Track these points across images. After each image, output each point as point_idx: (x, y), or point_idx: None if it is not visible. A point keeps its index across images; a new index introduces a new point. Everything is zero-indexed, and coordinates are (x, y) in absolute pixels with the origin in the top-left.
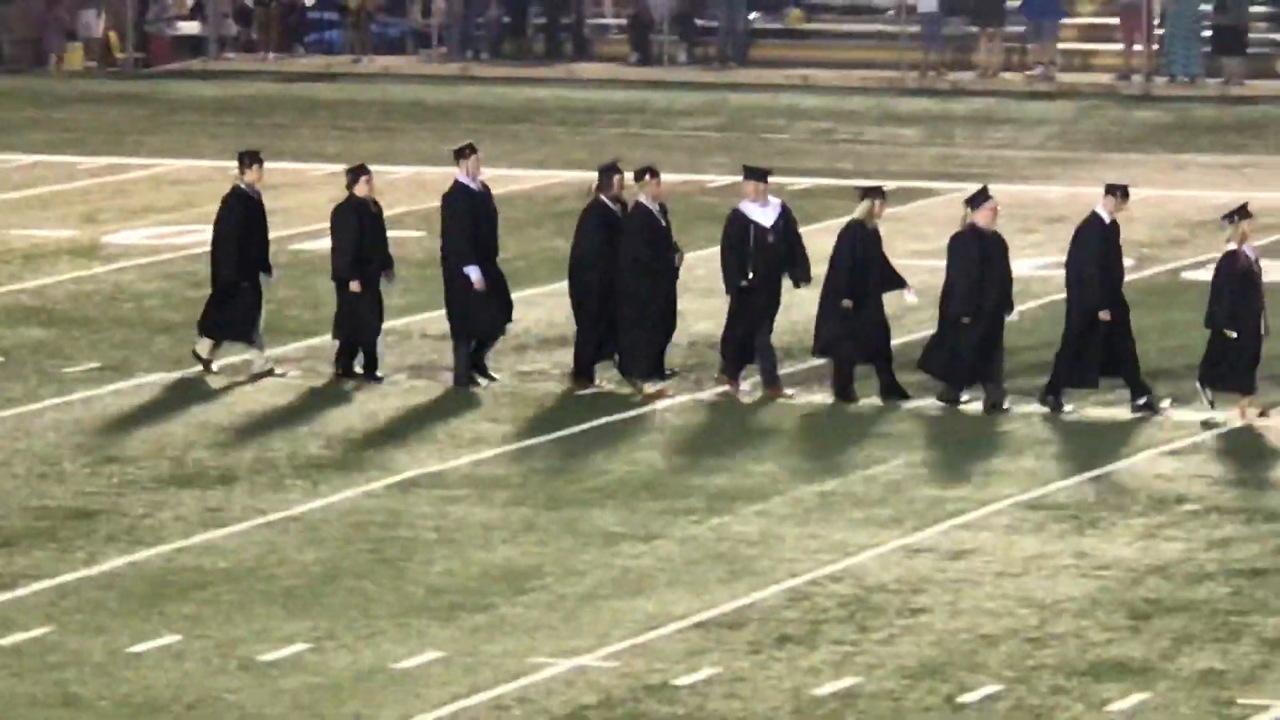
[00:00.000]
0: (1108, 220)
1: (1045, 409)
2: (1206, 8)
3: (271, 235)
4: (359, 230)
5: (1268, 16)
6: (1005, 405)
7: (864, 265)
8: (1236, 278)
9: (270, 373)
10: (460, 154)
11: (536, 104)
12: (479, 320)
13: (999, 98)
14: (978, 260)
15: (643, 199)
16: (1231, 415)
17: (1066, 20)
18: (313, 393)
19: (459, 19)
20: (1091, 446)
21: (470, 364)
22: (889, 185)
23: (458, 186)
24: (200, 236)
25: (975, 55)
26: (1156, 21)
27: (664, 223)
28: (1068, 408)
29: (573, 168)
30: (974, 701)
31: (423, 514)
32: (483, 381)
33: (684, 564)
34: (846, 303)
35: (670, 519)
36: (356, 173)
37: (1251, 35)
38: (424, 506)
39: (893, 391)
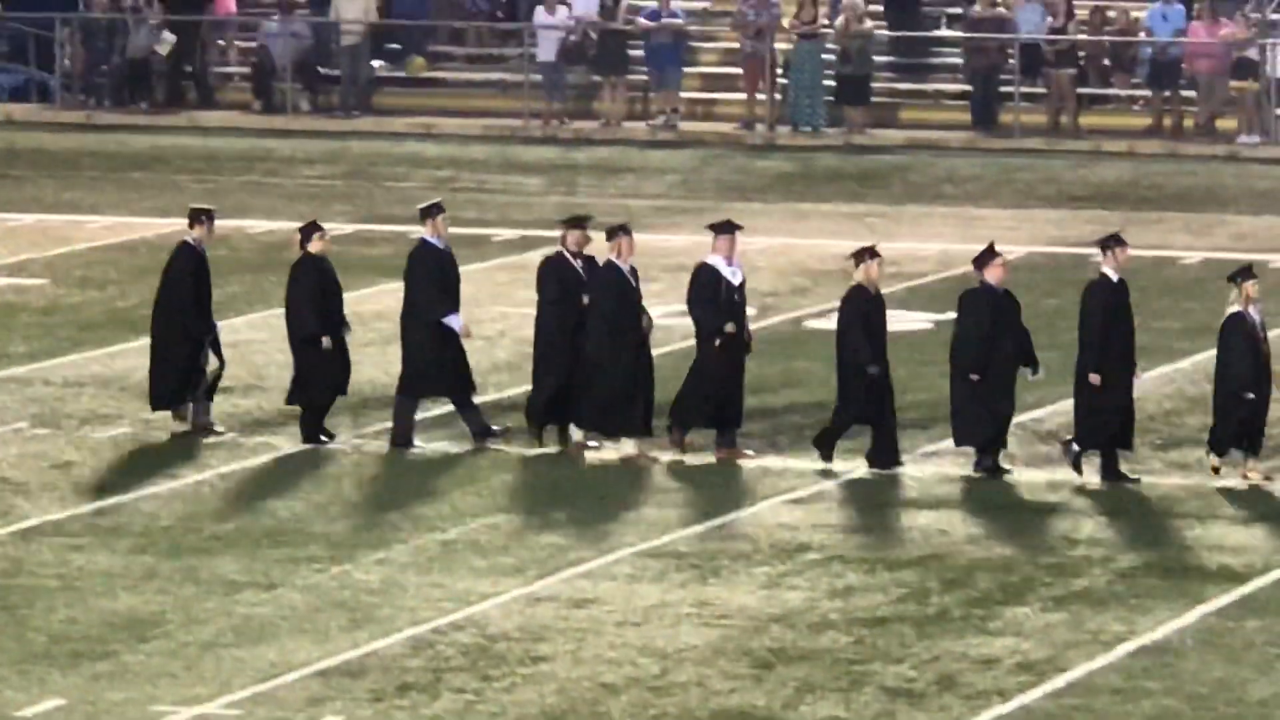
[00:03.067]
0: (1115, 279)
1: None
2: (830, 57)
3: None
4: (319, 287)
5: (890, 66)
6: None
7: (877, 329)
8: (1242, 340)
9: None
10: (427, 213)
11: (159, 152)
12: (435, 380)
13: (622, 146)
14: (989, 317)
15: (613, 258)
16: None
17: (689, 69)
18: None
19: (82, 67)
20: (713, 495)
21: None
22: (509, 234)
23: (423, 245)
24: None
25: (598, 104)
26: (780, 71)
27: (634, 283)
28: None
29: None
30: None
31: (44, 561)
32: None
33: (306, 612)
34: (873, 369)
35: (292, 567)
36: (310, 230)
37: (875, 85)
38: (46, 554)
39: (888, 455)
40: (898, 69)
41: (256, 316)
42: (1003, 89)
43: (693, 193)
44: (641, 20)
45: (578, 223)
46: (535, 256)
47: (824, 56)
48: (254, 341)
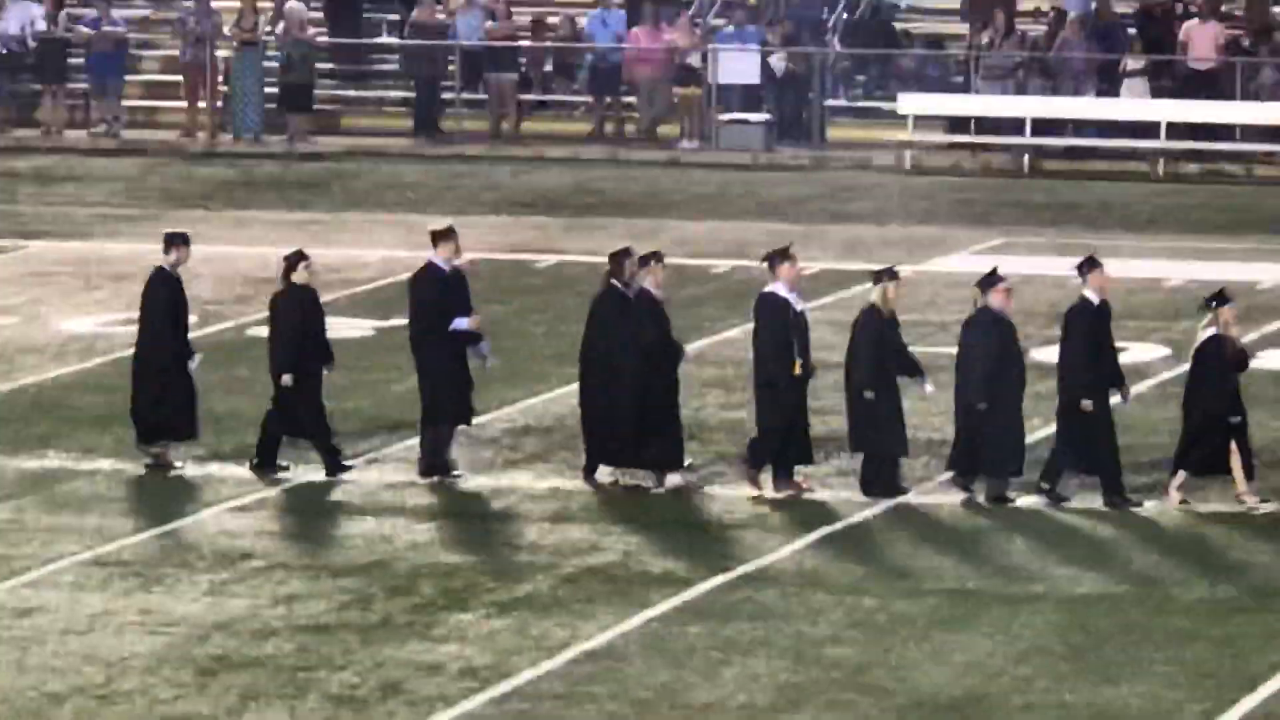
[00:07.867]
0: (1096, 301)
1: (1045, 499)
2: (271, 65)
3: None
4: (301, 319)
5: (332, 74)
6: (1012, 496)
7: (885, 353)
8: (1218, 364)
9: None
10: (440, 236)
11: None
12: (451, 404)
13: (63, 155)
14: (996, 344)
15: (648, 285)
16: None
17: (131, 77)
18: None
19: None
20: (158, 503)
21: (437, 452)
22: None
23: (430, 267)
24: None
25: (39, 112)
26: (221, 79)
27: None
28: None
29: None
30: None
31: None
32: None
33: None
34: (869, 394)
35: None
36: (295, 259)
37: (317, 92)
38: None
39: (891, 488)
40: (339, 76)
41: None
42: (444, 95)
43: (135, 200)
44: (82, 28)
45: (628, 253)
46: None
47: (266, 64)
48: None
